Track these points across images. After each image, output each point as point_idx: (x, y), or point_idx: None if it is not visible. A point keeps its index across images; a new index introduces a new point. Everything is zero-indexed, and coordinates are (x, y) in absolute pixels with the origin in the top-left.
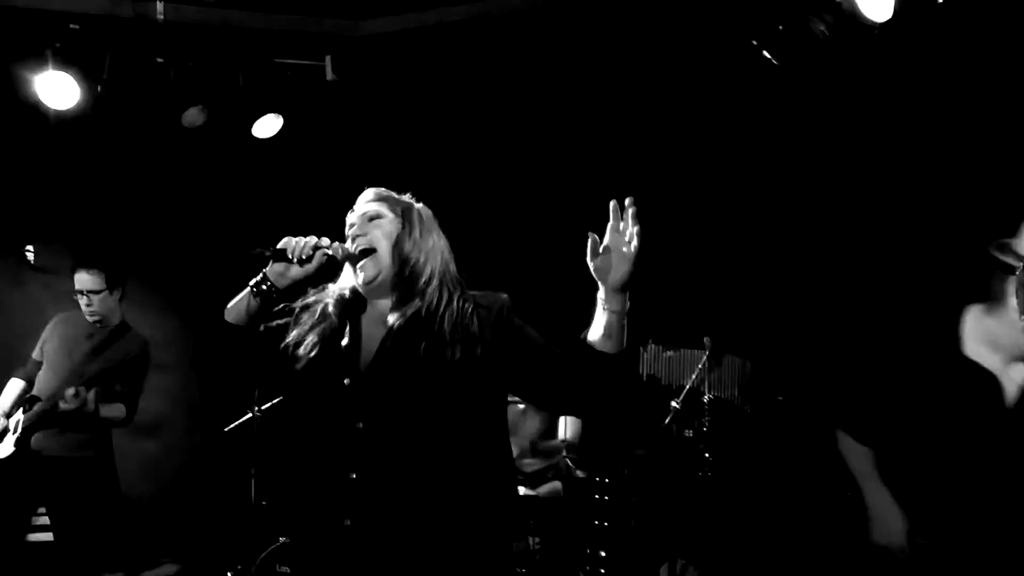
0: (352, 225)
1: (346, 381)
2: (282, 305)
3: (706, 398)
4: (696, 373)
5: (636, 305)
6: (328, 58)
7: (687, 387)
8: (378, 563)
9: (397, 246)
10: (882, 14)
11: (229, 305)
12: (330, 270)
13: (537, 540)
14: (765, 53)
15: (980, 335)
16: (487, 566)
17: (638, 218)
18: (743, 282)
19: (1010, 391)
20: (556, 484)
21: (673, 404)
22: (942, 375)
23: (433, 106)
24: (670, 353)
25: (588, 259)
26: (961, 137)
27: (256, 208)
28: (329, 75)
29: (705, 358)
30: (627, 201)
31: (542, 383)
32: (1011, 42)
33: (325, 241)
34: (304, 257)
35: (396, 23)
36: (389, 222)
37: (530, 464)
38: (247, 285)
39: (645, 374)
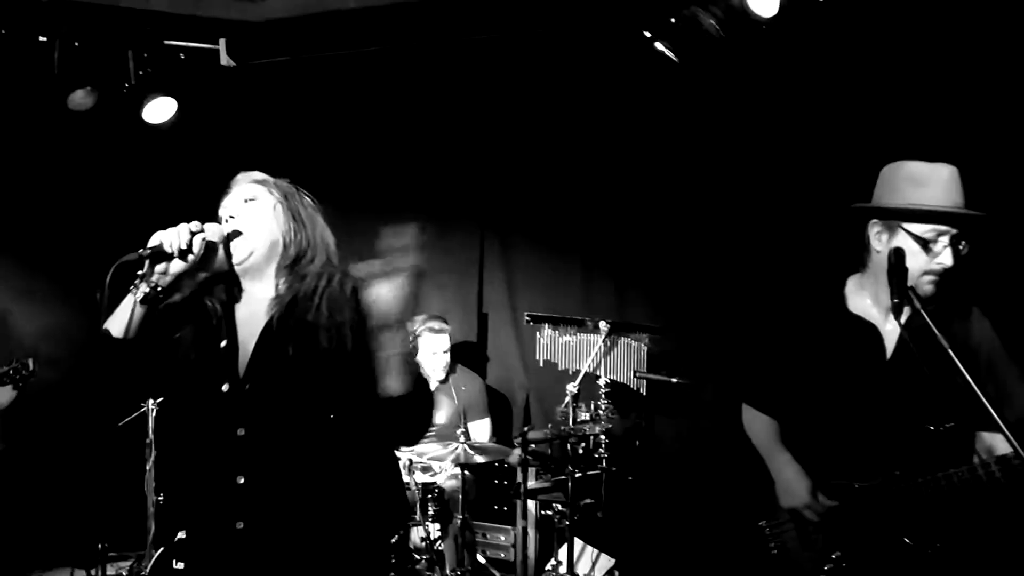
0: (226, 207)
1: (224, 388)
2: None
3: (602, 381)
4: (592, 357)
5: (535, 292)
6: (222, 41)
7: (583, 371)
8: (273, 563)
9: (274, 226)
10: (769, 10)
11: (111, 320)
12: (212, 255)
13: (436, 527)
14: (658, 45)
15: (860, 294)
16: (379, 554)
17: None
18: (639, 266)
19: (889, 344)
20: (455, 477)
21: (570, 388)
22: (830, 331)
23: (329, 92)
24: (567, 338)
25: None
26: (838, 129)
27: (147, 196)
28: (224, 59)
29: (601, 342)
30: None
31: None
32: (891, 39)
33: (197, 225)
34: (184, 248)
35: (292, 7)
36: (266, 203)
37: (430, 450)
38: (128, 292)
39: (542, 359)
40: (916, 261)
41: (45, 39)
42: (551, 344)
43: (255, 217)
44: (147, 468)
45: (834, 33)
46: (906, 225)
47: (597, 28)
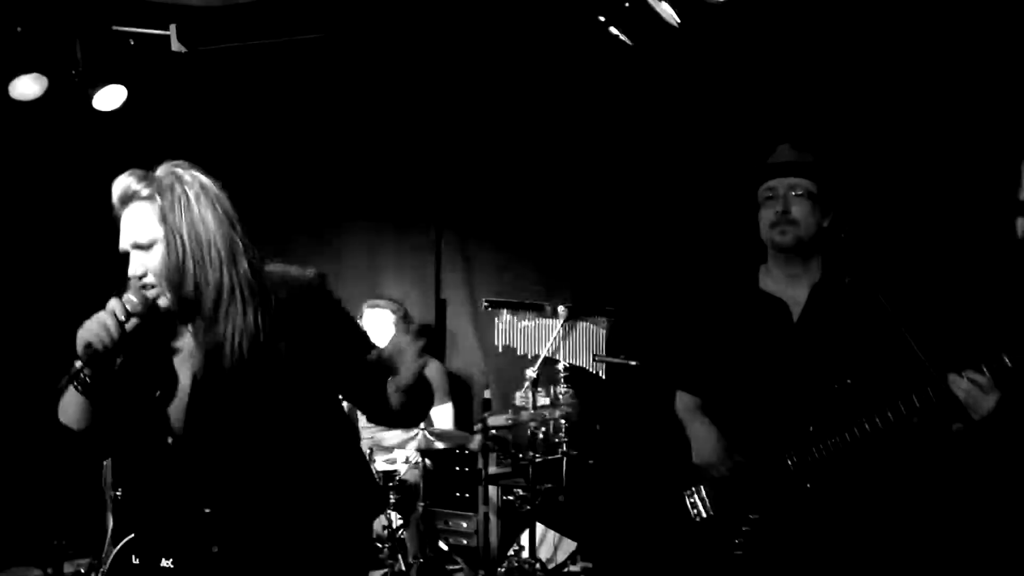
0: (126, 252)
1: (169, 440)
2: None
3: (561, 365)
4: (551, 341)
5: (492, 276)
6: (173, 27)
7: (542, 355)
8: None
9: (170, 270)
10: None
11: (63, 415)
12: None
13: (398, 515)
14: (612, 30)
15: (768, 274)
16: (358, 551)
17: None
18: (596, 250)
19: (796, 311)
20: (416, 464)
21: (529, 373)
22: (744, 308)
23: (281, 80)
24: (525, 323)
25: None
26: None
27: (97, 185)
28: (175, 45)
29: (559, 326)
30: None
31: (357, 389)
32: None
33: (120, 308)
34: (116, 340)
35: None
36: (158, 245)
37: (389, 437)
38: (67, 385)
39: (501, 344)
40: (762, 220)
41: None
42: (510, 329)
43: (154, 266)
44: (104, 463)
45: (788, 20)
46: (759, 194)
47: (548, 15)
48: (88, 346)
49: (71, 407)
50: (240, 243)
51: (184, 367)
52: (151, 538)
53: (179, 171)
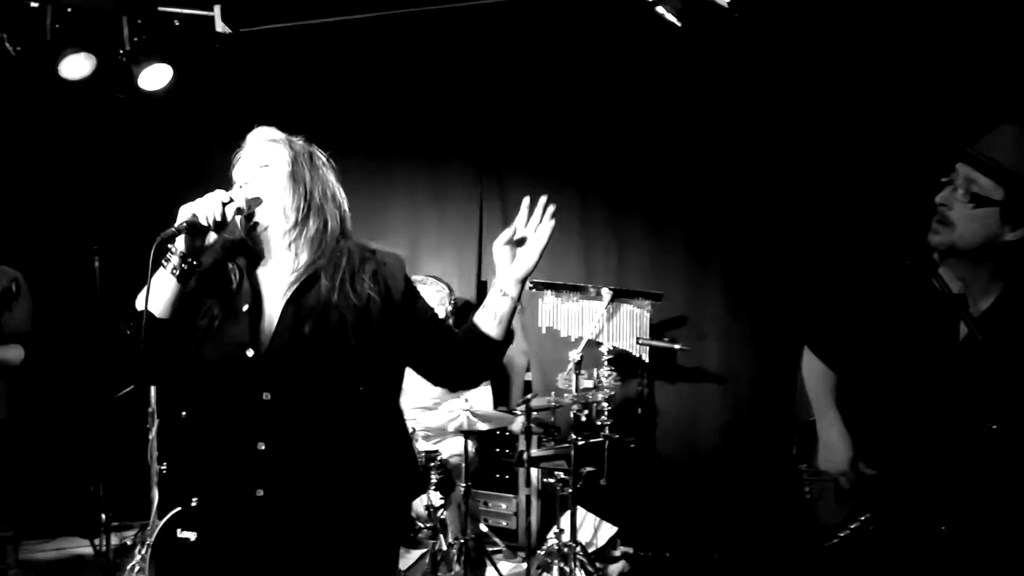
0: (240, 172)
1: (249, 353)
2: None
3: (604, 348)
4: (594, 323)
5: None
6: (217, 8)
7: (585, 338)
8: (292, 530)
9: (289, 193)
10: None
11: (149, 301)
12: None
13: (439, 496)
14: (659, 9)
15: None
16: (393, 525)
17: (553, 217)
18: (643, 232)
19: (964, 326)
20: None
21: (572, 355)
22: (913, 298)
23: (324, 56)
24: (569, 305)
25: (497, 243)
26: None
27: (142, 165)
28: (219, 26)
29: (603, 309)
30: (542, 200)
31: (426, 352)
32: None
33: (226, 195)
34: (218, 220)
35: None
36: (281, 167)
37: (433, 418)
38: (160, 267)
39: (544, 326)
40: None
41: (37, 4)
42: (553, 311)
43: (271, 184)
44: (150, 437)
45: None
46: None
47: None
48: (193, 217)
49: (159, 291)
50: (347, 211)
51: (278, 288)
52: (194, 472)
53: (312, 145)
